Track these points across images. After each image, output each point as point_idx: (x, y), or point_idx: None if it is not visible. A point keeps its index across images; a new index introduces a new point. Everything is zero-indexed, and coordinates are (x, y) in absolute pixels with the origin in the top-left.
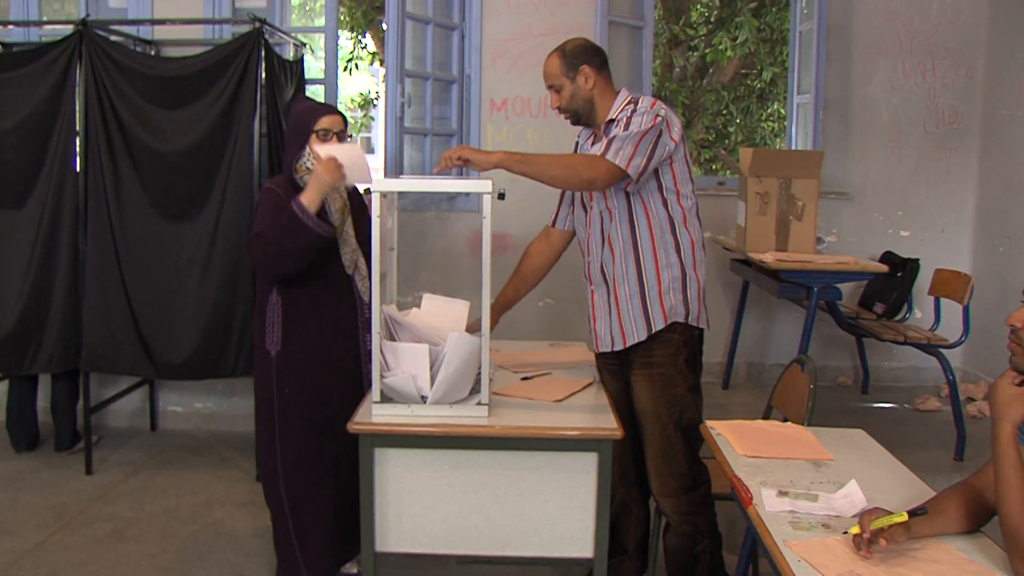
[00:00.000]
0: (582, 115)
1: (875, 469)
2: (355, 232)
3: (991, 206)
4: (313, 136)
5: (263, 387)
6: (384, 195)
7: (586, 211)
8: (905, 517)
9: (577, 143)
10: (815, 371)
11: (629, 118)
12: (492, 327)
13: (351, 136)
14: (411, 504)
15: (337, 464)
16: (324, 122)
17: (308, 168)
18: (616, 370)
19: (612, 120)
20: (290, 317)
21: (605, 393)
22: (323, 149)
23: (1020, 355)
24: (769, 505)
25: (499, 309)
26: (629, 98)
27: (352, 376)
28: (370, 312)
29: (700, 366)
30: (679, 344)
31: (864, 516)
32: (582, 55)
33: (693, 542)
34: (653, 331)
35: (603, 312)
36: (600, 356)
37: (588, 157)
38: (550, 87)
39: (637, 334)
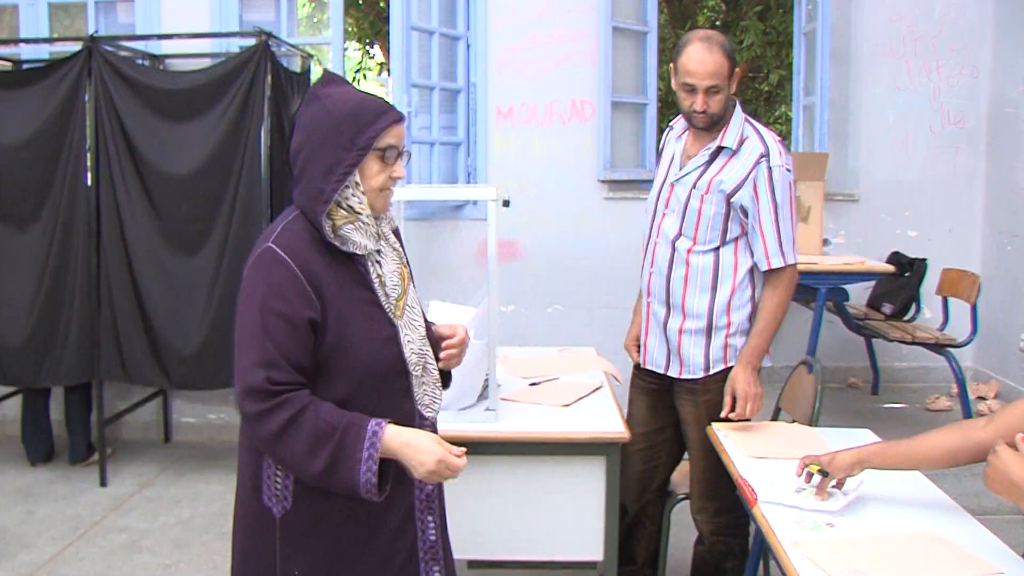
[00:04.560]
0: (719, 119)
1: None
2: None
3: (998, 205)
4: (373, 156)
5: (251, 543)
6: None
7: (654, 217)
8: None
9: (666, 138)
10: (822, 372)
11: (775, 189)
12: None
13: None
14: None
15: None
16: (393, 135)
17: (352, 208)
18: (652, 388)
19: (762, 156)
20: None
21: (613, 397)
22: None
23: None
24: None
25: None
26: (750, 125)
27: (400, 532)
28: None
29: None
30: (730, 373)
31: (800, 464)
32: (734, 56)
33: (724, 559)
34: (711, 372)
35: (658, 331)
36: (641, 370)
37: (786, 285)
38: (708, 88)
39: (693, 369)
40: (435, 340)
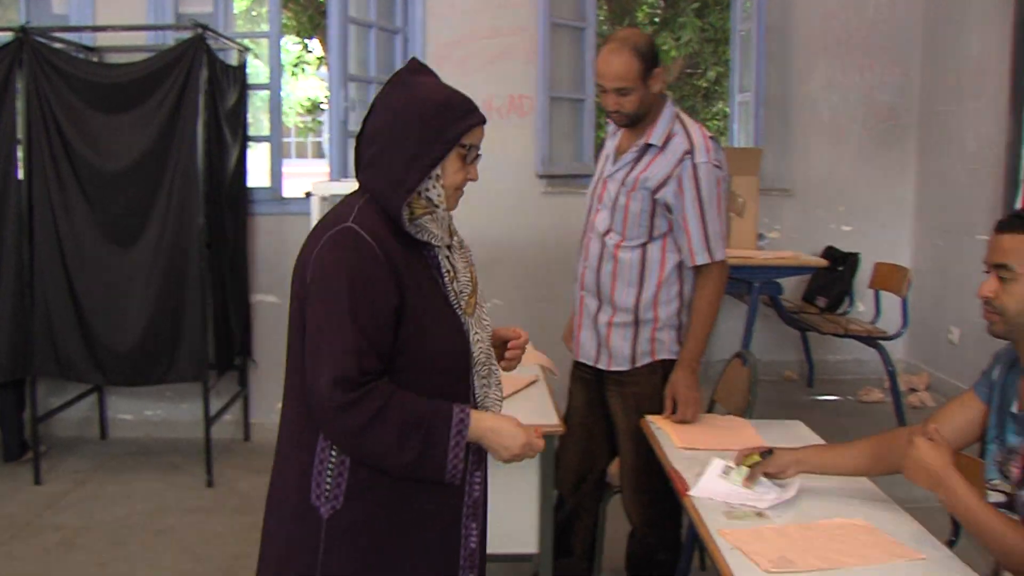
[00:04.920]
0: (639, 119)
1: None
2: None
3: (929, 201)
4: (456, 152)
5: (294, 544)
6: (325, 198)
7: (589, 212)
8: (758, 458)
9: (606, 134)
10: (756, 365)
11: (700, 186)
12: None
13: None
14: None
15: None
16: (477, 135)
17: (431, 200)
18: (588, 380)
19: (686, 153)
20: None
21: (548, 391)
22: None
23: (998, 323)
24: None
25: None
26: (680, 121)
27: (443, 537)
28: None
29: None
30: (656, 366)
31: (738, 454)
32: (654, 56)
33: (656, 551)
34: (637, 365)
35: (589, 324)
36: (578, 363)
37: (715, 282)
38: (616, 90)
39: (620, 362)
40: (496, 342)
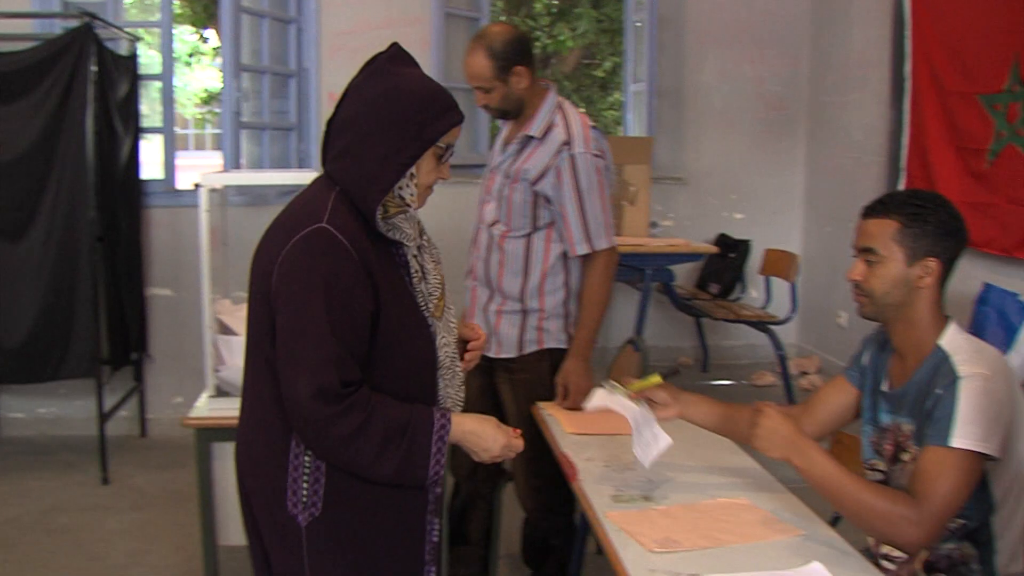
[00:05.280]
0: (511, 113)
1: (698, 439)
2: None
3: (818, 189)
4: (431, 152)
5: (279, 555)
6: (214, 190)
7: (480, 203)
8: (659, 379)
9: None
10: (647, 351)
11: (578, 177)
12: None
13: None
14: None
15: None
16: (454, 134)
17: (403, 199)
18: (483, 368)
19: (564, 144)
20: None
21: None
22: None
23: (867, 305)
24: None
25: None
26: (561, 112)
27: (411, 534)
28: None
29: None
30: (544, 354)
31: (623, 379)
32: (514, 53)
33: (550, 536)
34: (524, 352)
35: (480, 312)
36: None
37: (601, 271)
38: (476, 88)
39: (508, 349)
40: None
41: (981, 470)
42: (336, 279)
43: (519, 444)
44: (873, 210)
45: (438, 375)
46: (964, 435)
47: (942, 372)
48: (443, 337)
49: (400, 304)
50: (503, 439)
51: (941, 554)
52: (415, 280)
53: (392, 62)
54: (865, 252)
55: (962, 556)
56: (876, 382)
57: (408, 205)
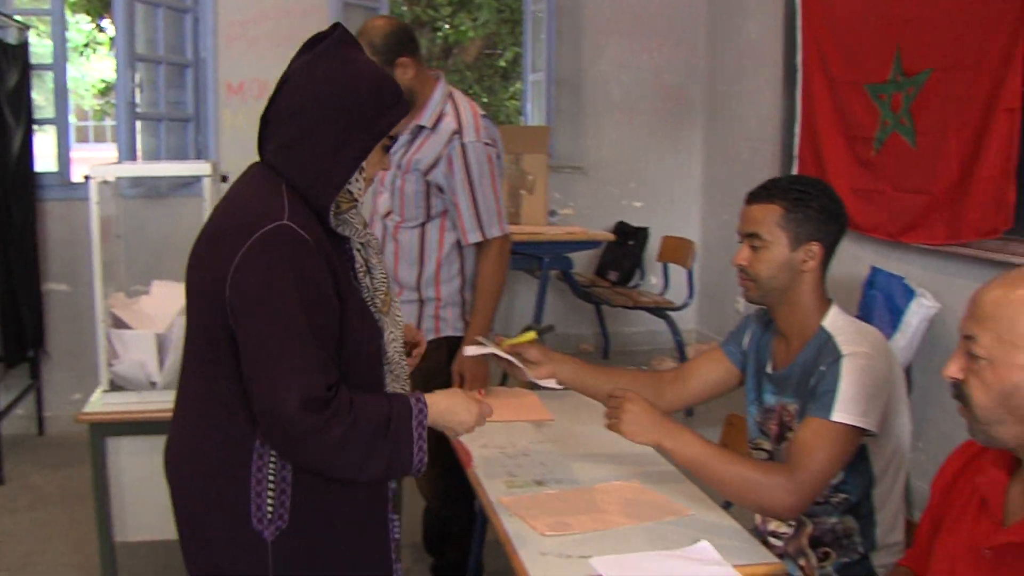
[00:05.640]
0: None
1: (592, 425)
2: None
3: (715, 177)
4: (380, 144)
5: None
6: (106, 182)
7: (374, 195)
8: (533, 335)
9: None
10: (544, 338)
11: (469, 166)
12: None
13: None
14: (150, 491)
15: None
16: (402, 124)
17: (352, 194)
18: None
19: (455, 133)
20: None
21: None
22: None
23: (753, 289)
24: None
25: None
26: (452, 102)
27: (376, 532)
28: None
29: None
30: (441, 342)
31: (496, 336)
32: (396, 45)
33: (449, 525)
34: None
35: None
36: None
37: (495, 259)
38: None
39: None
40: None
41: (858, 444)
42: (307, 279)
43: (489, 409)
44: (757, 196)
45: (385, 370)
46: (844, 410)
47: (826, 351)
48: (391, 332)
49: (354, 300)
50: (475, 407)
51: (825, 528)
52: (360, 275)
53: (339, 46)
54: (750, 237)
55: (845, 530)
56: (760, 364)
57: (356, 199)
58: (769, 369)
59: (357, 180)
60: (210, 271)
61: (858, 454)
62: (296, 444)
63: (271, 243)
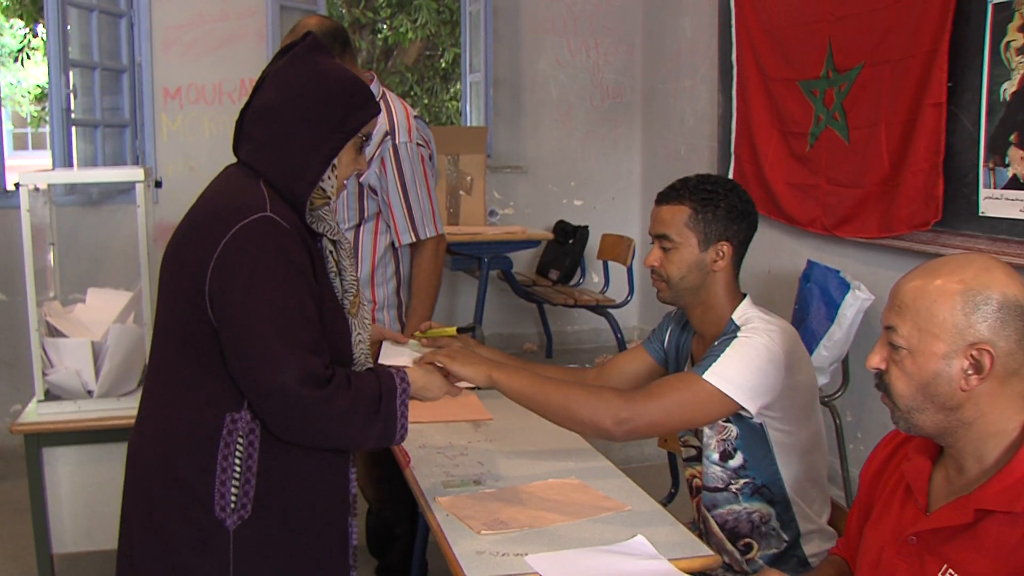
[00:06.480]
0: None
1: (531, 423)
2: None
3: (654, 174)
4: (352, 143)
5: (197, 564)
6: (37, 189)
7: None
8: (454, 331)
9: None
10: (483, 338)
11: (402, 167)
12: None
13: None
14: (88, 501)
15: None
16: (373, 125)
17: (324, 192)
18: None
19: (386, 135)
20: (274, 455)
21: None
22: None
23: (665, 290)
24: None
25: None
26: (384, 103)
27: (336, 535)
28: None
29: None
30: (379, 345)
31: (423, 325)
32: (328, 44)
33: (393, 525)
34: None
35: None
36: None
37: (429, 259)
38: None
39: None
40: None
41: (722, 414)
42: (294, 264)
43: (456, 390)
44: (666, 197)
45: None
46: (718, 374)
47: (727, 334)
48: (358, 334)
49: (325, 297)
50: (443, 384)
51: (739, 518)
52: (332, 275)
53: (311, 52)
54: (660, 239)
55: (761, 516)
56: (680, 364)
57: (329, 197)
58: (688, 368)
59: (330, 178)
60: (188, 262)
61: (756, 435)
62: (302, 418)
63: (256, 232)
